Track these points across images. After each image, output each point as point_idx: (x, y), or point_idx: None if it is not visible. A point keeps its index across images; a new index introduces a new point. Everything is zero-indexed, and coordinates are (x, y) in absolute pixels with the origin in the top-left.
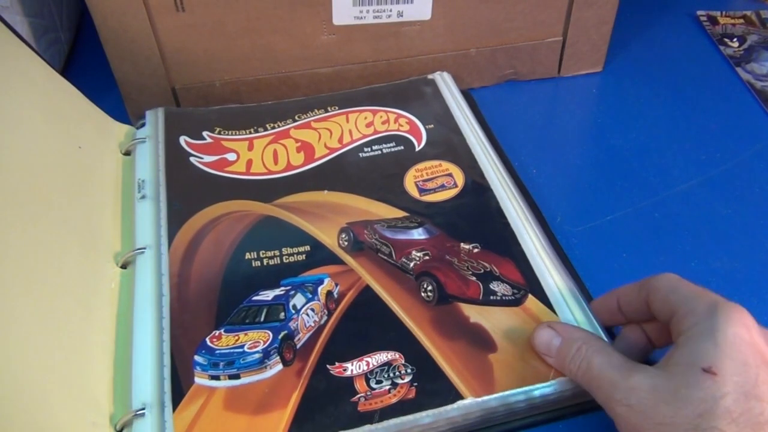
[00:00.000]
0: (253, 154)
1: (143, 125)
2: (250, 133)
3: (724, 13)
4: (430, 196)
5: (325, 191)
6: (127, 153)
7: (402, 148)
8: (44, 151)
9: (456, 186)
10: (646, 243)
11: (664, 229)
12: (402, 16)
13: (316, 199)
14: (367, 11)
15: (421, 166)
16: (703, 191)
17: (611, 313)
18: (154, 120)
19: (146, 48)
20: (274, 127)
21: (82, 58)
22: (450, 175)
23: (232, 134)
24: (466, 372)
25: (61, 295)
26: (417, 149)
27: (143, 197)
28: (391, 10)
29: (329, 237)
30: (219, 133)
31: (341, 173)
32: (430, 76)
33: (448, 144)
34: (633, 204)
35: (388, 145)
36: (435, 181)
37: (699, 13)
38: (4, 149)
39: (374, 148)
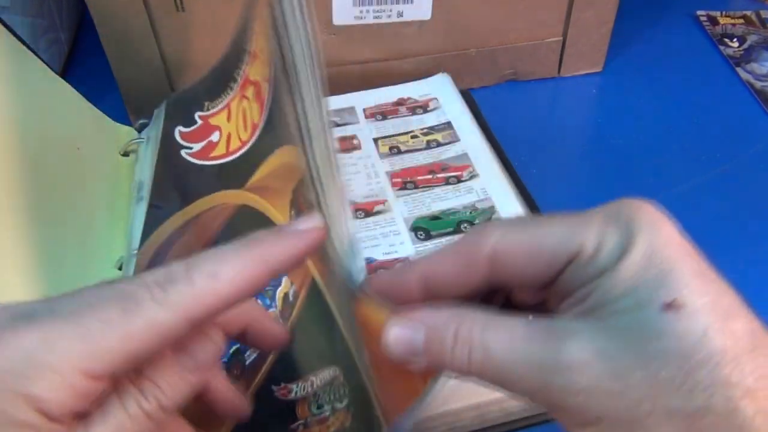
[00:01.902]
0: (231, 125)
1: (143, 125)
2: (227, 93)
3: (724, 13)
4: None
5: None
6: (126, 154)
7: None
8: (42, 153)
9: None
10: None
11: None
12: (402, 16)
13: (272, 167)
14: (367, 11)
15: None
16: (703, 191)
17: (413, 293)
18: (157, 119)
19: (146, 48)
20: (239, 74)
21: (82, 58)
22: None
23: (216, 104)
24: (380, 392)
25: None
26: None
27: (141, 199)
28: (391, 10)
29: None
30: (207, 109)
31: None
32: None
33: None
34: None
35: None
36: None
37: (699, 13)
38: (1, 151)
39: None
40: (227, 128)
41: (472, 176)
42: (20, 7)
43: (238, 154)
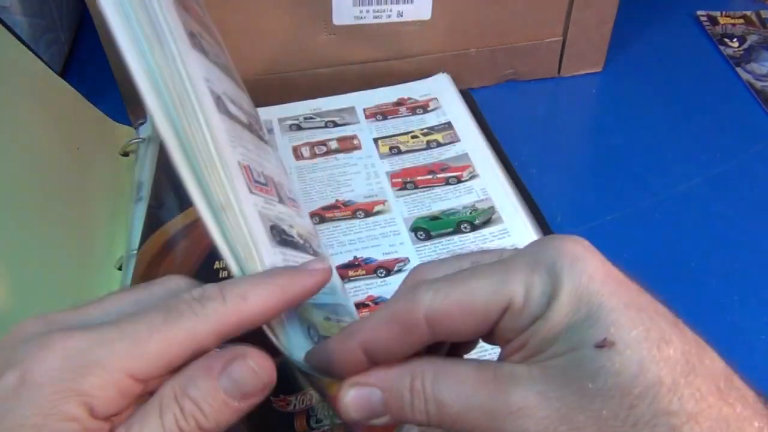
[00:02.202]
0: None
1: (142, 124)
2: None
3: (724, 13)
4: None
5: None
6: (126, 154)
7: None
8: (42, 153)
9: None
10: (646, 243)
11: (664, 229)
12: (402, 16)
13: None
14: (367, 11)
15: None
16: (703, 191)
17: (357, 364)
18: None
19: None
20: None
21: (82, 58)
22: None
23: None
24: None
25: (57, 299)
26: None
27: (140, 199)
28: (391, 10)
29: None
30: None
31: None
32: None
33: None
34: (633, 204)
35: None
36: None
37: (699, 13)
38: (1, 151)
39: None
40: None
41: (472, 176)
42: (20, 7)
43: None
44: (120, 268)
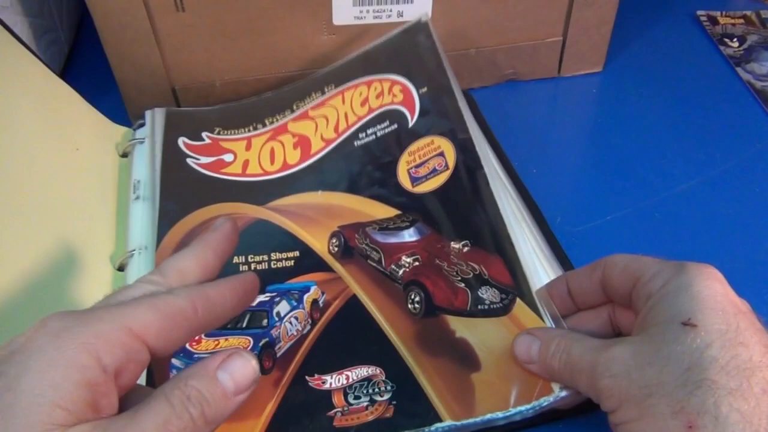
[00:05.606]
0: (250, 154)
1: (141, 125)
2: (249, 131)
3: (724, 13)
4: (422, 185)
5: (319, 192)
6: (125, 155)
7: (395, 126)
8: (41, 154)
9: (447, 168)
10: (646, 243)
11: (664, 229)
12: (402, 16)
13: (309, 201)
14: (367, 11)
15: (413, 147)
16: (703, 191)
17: (561, 299)
18: (152, 121)
19: (146, 48)
20: (272, 122)
21: (82, 58)
22: (441, 154)
23: (230, 134)
24: (448, 393)
25: (54, 300)
26: (410, 125)
27: (137, 198)
28: (391, 10)
29: (319, 242)
30: (218, 134)
31: (336, 168)
32: (423, 19)
33: (440, 109)
34: (633, 204)
35: (382, 126)
36: (427, 165)
37: (699, 13)
38: (1, 151)
39: (369, 132)
40: (244, 155)
41: None
42: (20, 7)
43: (259, 179)
44: (121, 269)
